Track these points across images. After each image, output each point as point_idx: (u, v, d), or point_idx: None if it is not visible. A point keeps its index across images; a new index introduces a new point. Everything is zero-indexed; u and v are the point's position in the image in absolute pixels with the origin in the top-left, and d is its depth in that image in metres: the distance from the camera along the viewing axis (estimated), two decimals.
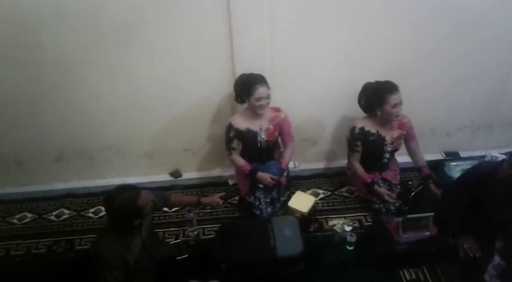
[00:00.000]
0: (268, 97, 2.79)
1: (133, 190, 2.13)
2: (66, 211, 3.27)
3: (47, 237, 3.05)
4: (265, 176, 2.93)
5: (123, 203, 2.05)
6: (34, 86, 2.89)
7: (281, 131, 3.01)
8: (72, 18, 2.64)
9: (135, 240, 2.23)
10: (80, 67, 2.84)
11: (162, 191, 2.65)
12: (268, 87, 2.77)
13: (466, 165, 3.29)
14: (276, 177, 2.96)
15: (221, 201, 2.76)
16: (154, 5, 2.64)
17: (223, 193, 2.86)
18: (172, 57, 2.86)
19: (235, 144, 2.94)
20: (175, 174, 3.44)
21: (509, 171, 2.24)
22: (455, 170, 3.29)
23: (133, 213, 2.11)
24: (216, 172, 3.46)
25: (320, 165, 3.54)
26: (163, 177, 3.45)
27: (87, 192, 3.40)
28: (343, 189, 3.35)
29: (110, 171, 3.39)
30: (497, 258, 2.54)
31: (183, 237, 2.94)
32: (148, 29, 2.73)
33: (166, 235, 2.99)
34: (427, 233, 2.58)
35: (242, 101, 2.87)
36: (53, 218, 3.23)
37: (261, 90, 2.74)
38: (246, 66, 2.84)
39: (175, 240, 2.93)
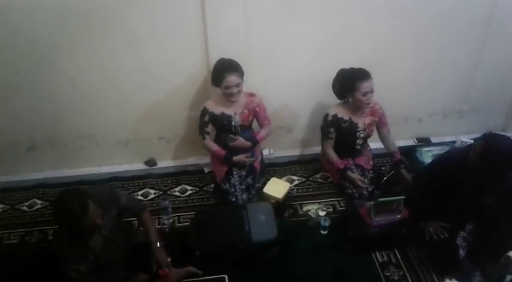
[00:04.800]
0: (238, 85, 2.78)
1: (79, 206, 1.93)
2: (39, 201, 3.22)
3: (19, 228, 3.01)
4: (240, 157, 2.98)
5: (68, 221, 1.95)
6: (3, 72, 2.81)
7: (257, 116, 3.03)
8: (45, 4, 2.58)
9: (95, 238, 2.15)
10: (52, 54, 2.78)
11: (139, 202, 2.62)
12: (239, 76, 2.77)
13: (437, 150, 3.37)
14: (250, 156, 3.02)
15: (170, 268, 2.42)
16: None
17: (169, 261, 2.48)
18: (145, 44, 2.83)
19: (210, 128, 2.96)
20: (150, 162, 3.41)
21: (475, 163, 2.29)
22: (427, 155, 3.37)
23: (79, 230, 2.00)
24: (191, 160, 3.45)
25: (295, 152, 3.57)
26: (138, 166, 3.42)
27: (61, 182, 3.33)
28: (318, 176, 3.39)
29: (84, 160, 3.35)
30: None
31: (158, 225, 2.92)
32: (121, 16, 2.69)
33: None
34: (398, 216, 2.63)
35: (217, 86, 2.87)
36: (25, 208, 3.17)
37: (228, 79, 2.74)
38: (220, 53, 2.83)
39: None
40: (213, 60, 2.86)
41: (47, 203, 3.20)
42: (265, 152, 3.38)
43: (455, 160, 2.49)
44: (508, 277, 2.28)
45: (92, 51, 2.81)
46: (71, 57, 2.82)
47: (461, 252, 2.53)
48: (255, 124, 3.12)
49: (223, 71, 2.75)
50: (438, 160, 2.69)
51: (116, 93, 3.02)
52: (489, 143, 2.25)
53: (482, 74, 3.39)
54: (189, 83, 3.06)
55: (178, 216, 3.03)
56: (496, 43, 3.23)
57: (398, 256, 2.70)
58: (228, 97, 2.83)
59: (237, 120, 2.95)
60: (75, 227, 1.97)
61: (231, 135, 2.95)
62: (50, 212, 3.11)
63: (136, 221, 2.94)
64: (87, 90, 2.98)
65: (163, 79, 3.01)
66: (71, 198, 1.95)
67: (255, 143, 3.05)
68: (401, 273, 2.59)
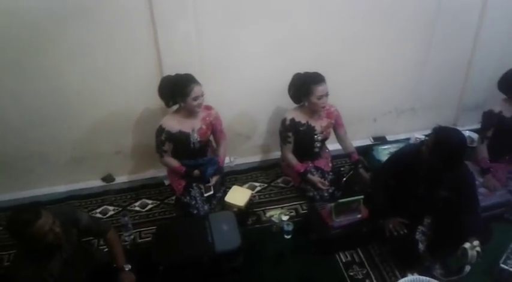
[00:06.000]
0: (203, 94, 2.77)
1: (31, 211, 1.94)
2: None
3: None
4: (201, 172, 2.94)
5: (21, 228, 1.90)
6: None
7: (214, 129, 3.01)
8: None
9: (54, 260, 2.08)
10: None
11: (104, 222, 2.51)
12: (201, 85, 2.75)
13: (393, 148, 3.46)
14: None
15: None
16: (74, 6, 2.57)
17: None
18: (96, 58, 2.78)
19: (167, 146, 2.89)
20: (108, 178, 3.32)
21: (428, 156, 2.34)
22: (383, 153, 3.46)
23: (31, 240, 1.94)
24: (151, 173, 3.38)
25: (256, 158, 3.57)
26: (95, 182, 3.32)
27: (13, 205, 3.17)
28: (279, 180, 3.40)
29: (36, 181, 3.22)
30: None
31: None
32: (70, 30, 2.64)
33: (101, 242, 2.87)
34: (359, 216, 2.68)
35: (174, 103, 2.83)
36: None
37: (196, 90, 2.71)
38: (173, 64, 2.81)
39: None
40: (167, 72, 2.82)
41: (0, 228, 3.05)
42: (226, 160, 3.34)
43: (408, 155, 2.55)
44: (467, 267, 2.35)
45: (38, 66, 2.72)
46: (15, 74, 2.72)
47: (421, 246, 2.62)
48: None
49: (190, 82, 2.70)
50: (393, 157, 2.76)
51: (65, 109, 2.94)
52: (440, 136, 2.31)
53: (431, 71, 3.52)
54: (143, 95, 3.00)
55: (140, 231, 2.96)
56: (442, 41, 3.37)
57: (361, 255, 2.74)
58: (195, 108, 2.79)
59: (195, 137, 2.91)
60: (29, 235, 1.90)
61: (206, 185, 2.95)
62: (4, 237, 2.95)
63: (96, 241, 2.85)
64: (35, 107, 2.88)
65: (115, 93, 2.95)
66: (24, 208, 2.10)
67: (222, 172, 3.09)
68: (364, 272, 2.63)
